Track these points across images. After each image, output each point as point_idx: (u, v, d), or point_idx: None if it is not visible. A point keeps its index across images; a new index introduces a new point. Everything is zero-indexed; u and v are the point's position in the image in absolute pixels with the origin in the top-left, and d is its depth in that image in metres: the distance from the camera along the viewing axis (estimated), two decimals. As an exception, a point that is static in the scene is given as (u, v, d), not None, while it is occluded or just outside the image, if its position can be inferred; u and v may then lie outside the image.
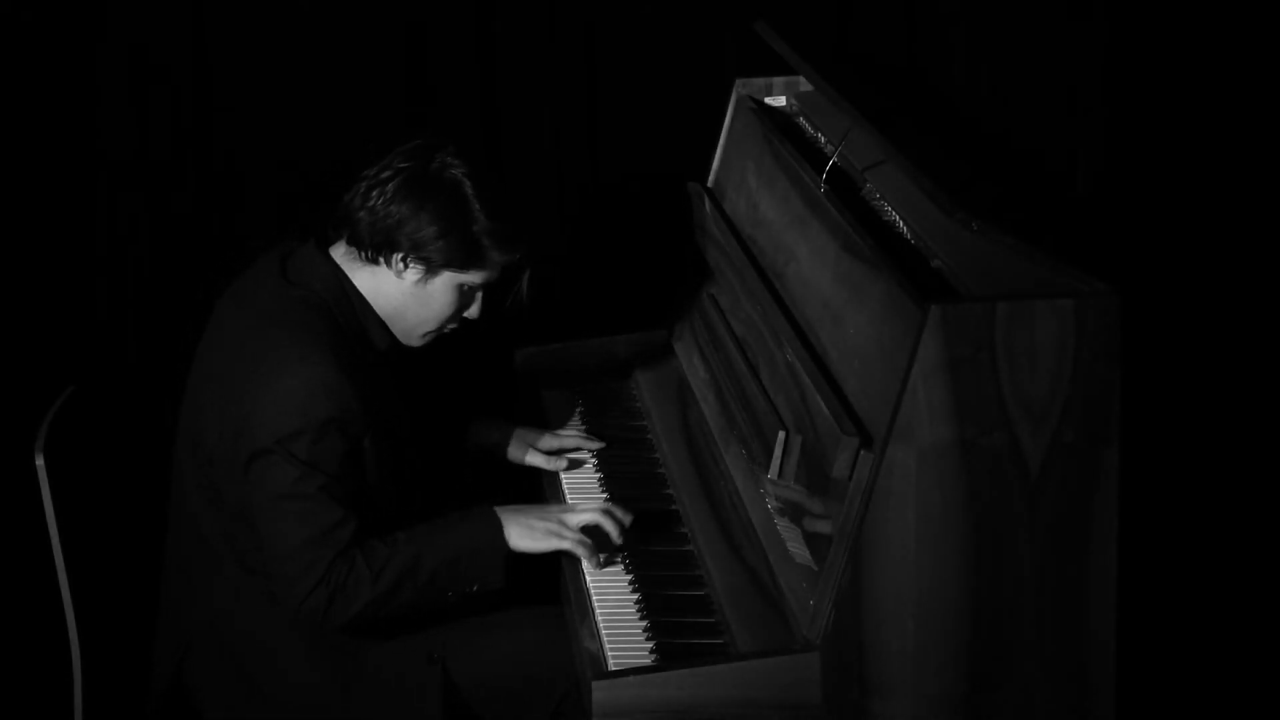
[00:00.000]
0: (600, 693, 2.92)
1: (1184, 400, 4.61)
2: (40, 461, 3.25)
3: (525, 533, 3.31)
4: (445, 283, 3.31)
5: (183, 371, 3.42)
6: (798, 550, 3.07)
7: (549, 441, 3.71)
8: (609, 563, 3.35)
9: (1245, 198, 4.64)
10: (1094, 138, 4.69)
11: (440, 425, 3.69)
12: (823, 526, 2.98)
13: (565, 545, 3.32)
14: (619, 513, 3.37)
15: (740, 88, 4.13)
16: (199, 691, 3.33)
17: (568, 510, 3.38)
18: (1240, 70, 4.62)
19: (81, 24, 4.51)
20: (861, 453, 2.90)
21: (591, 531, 3.36)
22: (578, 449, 3.73)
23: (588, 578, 3.31)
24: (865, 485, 2.86)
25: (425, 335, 3.39)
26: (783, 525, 3.16)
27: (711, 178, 4.11)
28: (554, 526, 3.32)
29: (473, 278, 3.32)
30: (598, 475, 3.68)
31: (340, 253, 3.34)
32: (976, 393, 2.82)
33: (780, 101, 4.15)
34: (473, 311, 3.38)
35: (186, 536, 3.36)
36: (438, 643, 3.33)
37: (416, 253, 3.28)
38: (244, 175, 4.62)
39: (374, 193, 3.28)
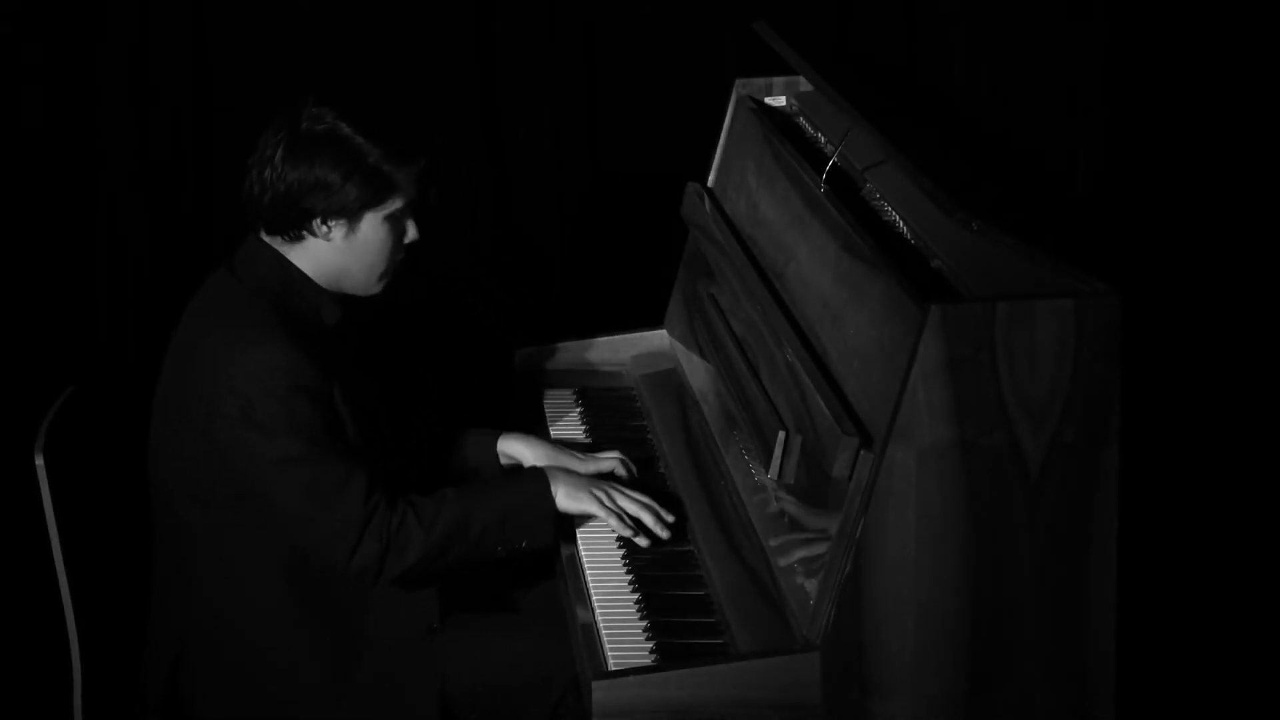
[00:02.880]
0: (600, 693, 2.92)
1: (1184, 400, 4.61)
2: (40, 461, 3.25)
3: (570, 493, 3.35)
4: (371, 223, 3.30)
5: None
6: (798, 550, 3.07)
7: (585, 467, 3.59)
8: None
9: (1245, 198, 4.64)
10: (1094, 138, 4.69)
11: (419, 407, 3.68)
12: (823, 526, 2.98)
13: (602, 513, 3.36)
14: (655, 520, 3.39)
15: (740, 88, 4.13)
16: (194, 690, 3.33)
17: (617, 488, 3.41)
18: (1240, 70, 4.62)
19: (81, 24, 4.51)
20: (861, 453, 2.89)
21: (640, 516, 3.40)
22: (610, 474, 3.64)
23: (588, 577, 3.31)
24: (865, 485, 2.86)
25: (380, 278, 3.37)
26: (783, 525, 3.16)
27: (711, 178, 4.11)
28: (597, 493, 3.37)
29: (394, 205, 3.30)
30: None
31: (269, 239, 3.34)
32: (976, 393, 2.82)
33: (780, 101, 4.15)
34: (411, 234, 3.35)
35: (174, 538, 3.35)
36: (437, 622, 3.35)
37: (330, 210, 3.27)
38: (244, 175, 4.61)
39: (265, 173, 3.27)
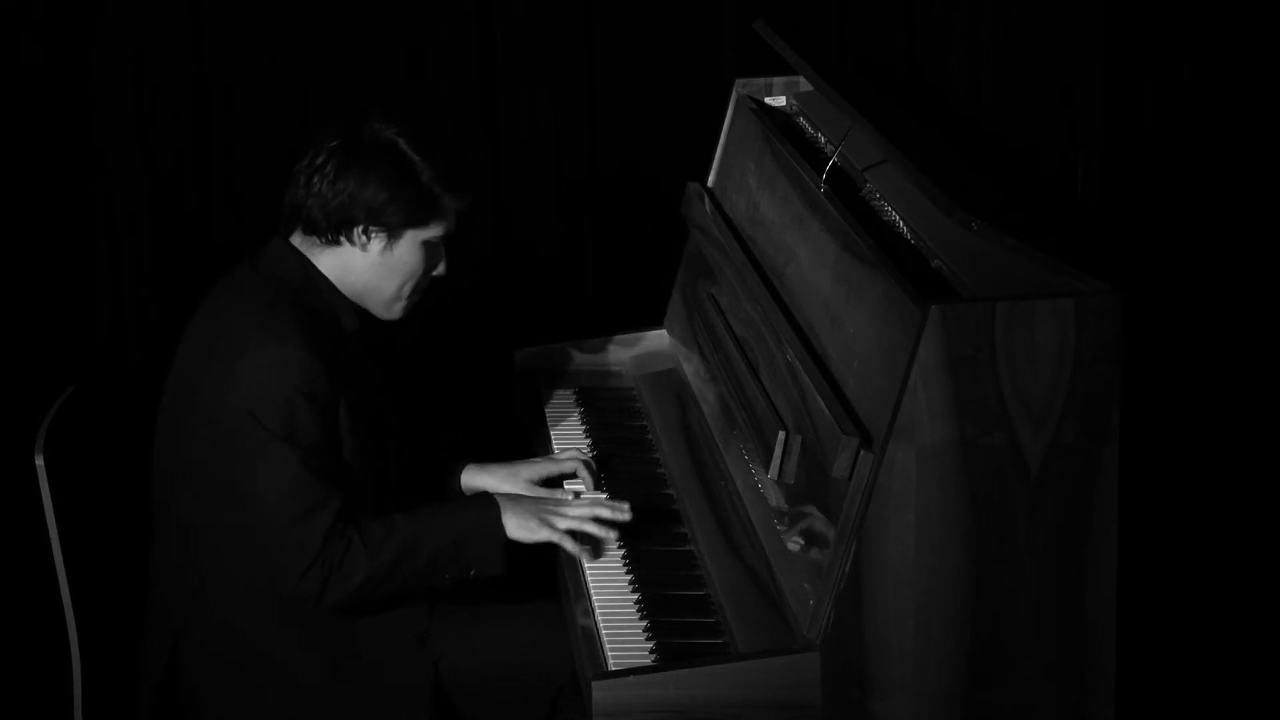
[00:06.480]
0: (600, 692, 2.92)
1: (1184, 400, 4.61)
2: (40, 461, 3.25)
3: (520, 522, 3.31)
4: (409, 243, 3.31)
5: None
6: (798, 550, 3.07)
7: (544, 469, 3.63)
8: (603, 557, 3.35)
9: (1245, 198, 4.65)
10: (1094, 138, 4.69)
11: (425, 419, 3.68)
12: (823, 526, 2.98)
13: (554, 538, 3.32)
14: (612, 512, 3.36)
15: (740, 88, 4.13)
16: (192, 686, 3.33)
17: (564, 504, 3.38)
18: (1240, 70, 4.62)
19: (81, 24, 4.51)
20: (861, 453, 2.90)
21: (585, 530, 3.36)
22: (574, 475, 3.64)
23: (588, 577, 3.31)
24: (865, 485, 2.86)
25: (403, 304, 3.38)
26: (783, 525, 3.16)
27: (711, 178, 4.11)
28: (546, 518, 3.33)
29: (434, 230, 3.32)
30: (599, 475, 3.68)
31: (298, 241, 3.34)
32: (976, 393, 2.82)
33: (780, 101, 4.15)
34: (441, 268, 3.38)
35: (172, 534, 3.35)
36: (426, 627, 3.34)
37: (374, 221, 3.28)
38: (244, 175, 4.62)
39: (315, 179, 3.28)
